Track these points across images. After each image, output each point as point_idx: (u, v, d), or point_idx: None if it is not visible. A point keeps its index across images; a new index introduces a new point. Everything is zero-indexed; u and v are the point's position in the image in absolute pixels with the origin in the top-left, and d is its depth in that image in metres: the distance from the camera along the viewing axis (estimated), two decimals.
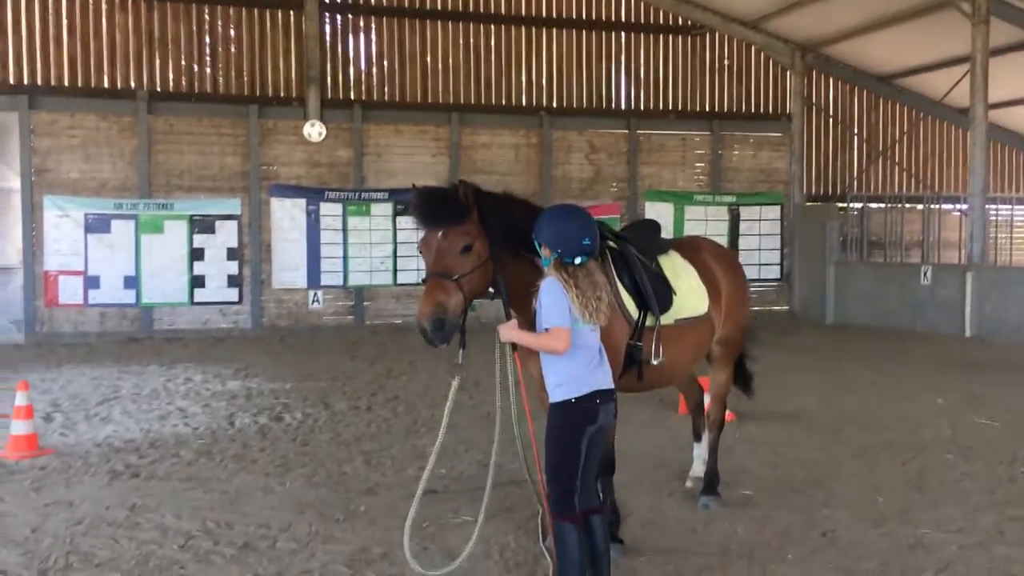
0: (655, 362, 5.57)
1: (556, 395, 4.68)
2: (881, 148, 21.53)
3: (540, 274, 4.89)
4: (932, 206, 20.21)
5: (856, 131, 21.57)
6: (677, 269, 5.95)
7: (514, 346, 4.98)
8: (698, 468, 6.69)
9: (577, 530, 4.61)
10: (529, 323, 4.87)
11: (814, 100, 21.22)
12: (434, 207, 4.91)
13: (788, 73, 20.93)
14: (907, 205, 20.84)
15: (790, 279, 20.87)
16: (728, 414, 9.09)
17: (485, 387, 7.67)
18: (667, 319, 5.66)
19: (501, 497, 6.35)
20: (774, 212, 20.82)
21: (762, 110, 20.95)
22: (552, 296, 4.64)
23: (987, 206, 19.40)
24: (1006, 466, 7.31)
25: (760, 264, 20.78)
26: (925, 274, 17.53)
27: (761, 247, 20.72)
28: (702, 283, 6.02)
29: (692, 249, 6.31)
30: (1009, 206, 21.79)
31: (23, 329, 16.37)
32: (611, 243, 5.73)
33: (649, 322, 5.56)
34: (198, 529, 5.90)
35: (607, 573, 4.70)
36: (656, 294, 5.61)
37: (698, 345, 6.03)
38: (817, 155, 21.49)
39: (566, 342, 4.59)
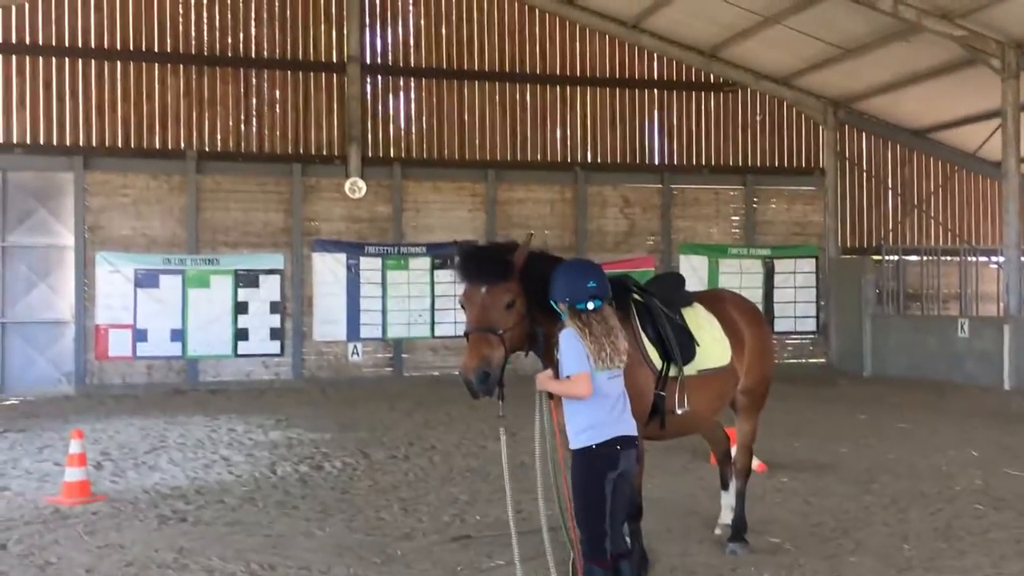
0: (679, 411, 5.77)
1: (578, 442, 4.89)
2: (916, 201, 21.61)
3: (556, 329, 5.17)
4: (969, 258, 20.20)
5: (890, 184, 21.69)
6: (700, 321, 6.18)
7: (550, 395, 5.23)
8: (726, 516, 6.83)
9: (607, 574, 4.80)
10: (556, 373, 5.13)
11: (847, 154, 21.42)
12: (479, 264, 5.20)
13: (820, 128, 21.20)
14: (944, 258, 20.86)
15: (827, 331, 20.89)
16: (759, 465, 9.26)
17: (520, 437, 7.87)
18: (690, 370, 5.87)
19: (536, 542, 6.53)
20: (809, 265, 20.93)
21: (795, 164, 21.21)
22: (569, 343, 4.88)
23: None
24: None
25: (796, 317, 20.86)
26: (962, 327, 17.49)
27: (796, 299, 20.80)
28: (725, 335, 6.24)
29: (716, 301, 6.54)
30: None
31: (73, 381, 16.92)
32: (636, 296, 5.99)
33: (672, 372, 5.78)
34: (243, 571, 6.16)
35: None
36: (679, 345, 5.85)
37: (721, 395, 6.23)
38: (852, 208, 21.63)
39: (588, 387, 4.82)
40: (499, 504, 8.00)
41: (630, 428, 4.99)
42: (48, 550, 6.73)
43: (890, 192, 21.73)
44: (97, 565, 6.33)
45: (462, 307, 5.28)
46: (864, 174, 21.61)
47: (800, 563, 6.15)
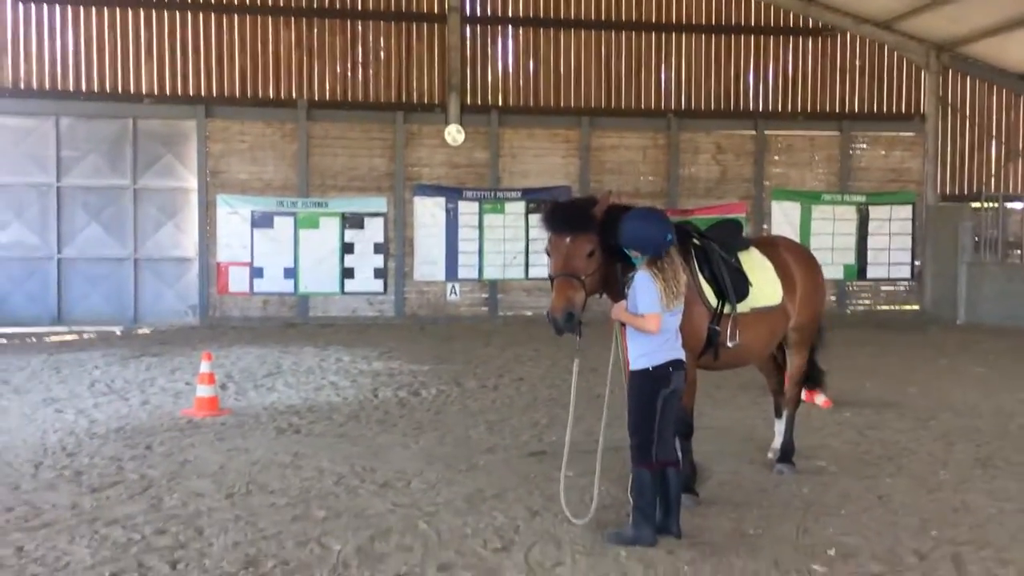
0: (731, 344, 6.45)
1: (638, 364, 5.67)
2: (1020, 147, 21.14)
3: (628, 271, 5.90)
4: None
5: (994, 131, 21.25)
6: (755, 264, 6.79)
7: (622, 324, 5.95)
8: (779, 441, 7.48)
9: (653, 475, 5.56)
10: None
11: (949, 99, 21.06)
12: (565, 216, 5.96)
13: (923, 73, 20.88)
14: None
15: (922, 279, 20.83)
16: (825, 401, 9.85)
17: (600, 372, 8.65)
18: (743, 307, 6.52)
19: (607, 459, 7.38)
20: (905, 212, 20.82)
21: (894, 110, 20.99)
22: (645, 285, 5.58)
23: None
24: None
25: (891, 263, 20.84)
26: None
27: (891, 247, 20.76)
28: (777, 277, 6.84)
29: (770, 246, 7.13)
30: None
31: (198, 313, 18.47)
32: (695, 241, 6.65)
33: (727, 309, 6.44)
34: (348, 471, 7.18)
35: (677, 516, 5.64)
36: (733, 285, 6.50)
37: (772, 331, 6.84)
38: (952, 154, 21.30)
39: (658, 326, 5.56)
40: (574, 428, 8.84)
41: (680, 353, 5.74)
42: (186, 451, 7.90)
43: (993, 139, 21.30)
44: (227, 463, 7.45)
45: (547, 254, 6.03)
46: (967, 120, 21.22)
47: (839, 482, 6.80)
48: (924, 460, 7.46)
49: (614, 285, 6.11)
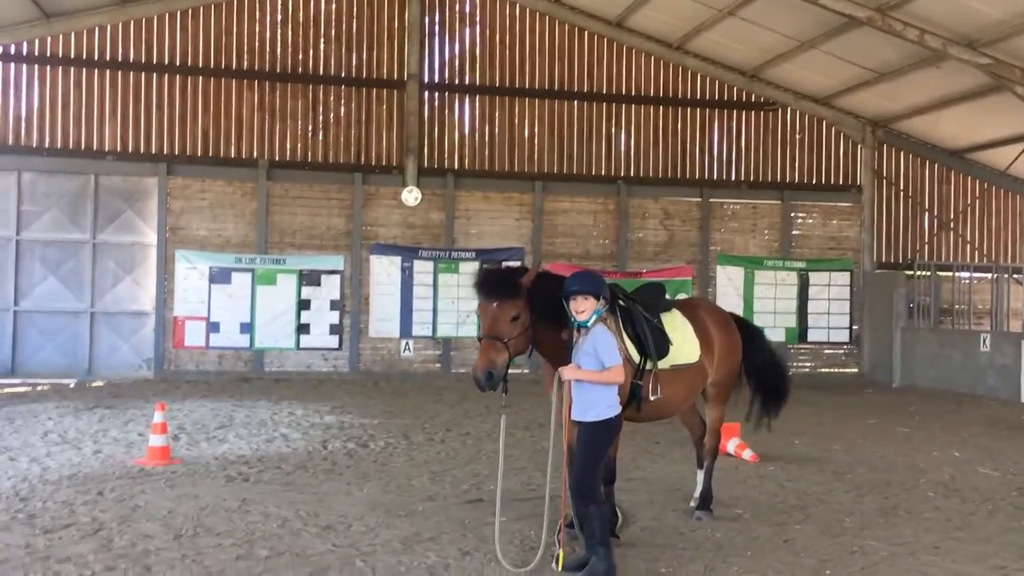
0: (653, 398, 6.98)
1: (606, 413, 6.12)
2: (952, 217, 22.24)
3: (561, 334, 6.44)
4: (1003, 276, 20.82)
5: (927, 204, 22.35)
6: (676, 324, 7.37)
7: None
8: (699, 490, 7.97)
9: (599, 510, 6.02)
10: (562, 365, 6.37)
11: (884, 172, 22.17)
12: (493, 283, 6.50)
13: (859, 147, 22.00)
14: (976, 274, 21.49)
15: (860, 343, 21.67)
16: (752, 456, 10.41)
17: (544, 428, 9.14)
18: (664, 364, 7.08)
19: (535, 505, 7.83)
20: (844, 278, 21.76)
21: (833, 181, 22.04)
22: (607, 340, 6.12)
23: None
24: (977, 504, 8.36)
25: (830, 328, 21.69)
26: (984, 341, 18.21)
27: (831, 311, 21.63)
28: (696, 336, 7.42)
29: (691, 308, 7.73)
30: None
31: (153, 367, 18.67)
32: (621, 302, 7.21)
33: (649, 366, 6.99)
34: (292, 515, 7.54)
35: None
36: (655, 343, 7.06)
37: (690, 386, 7.40)
38: (887, 224, 22.35)
39: (622, 374, 6.15)
40: (513, 478, 9.28)
41: None
42: (137, 497, 8.20)
43: (925, 210, 22.37)
44: (176, 508, 7.78)
45: (478, 316, 6.55)
46: (901, 192, 22.32)
47: (751, 527, 7.31)
48: (833, 510, 8.00)
49: (547, 346, 6.62)
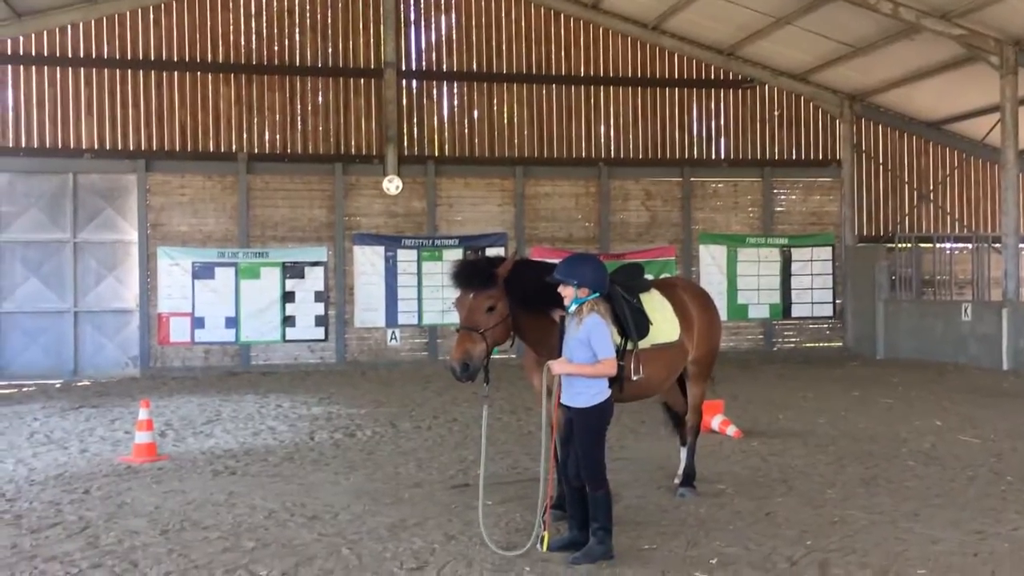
0: (635, 378, 7.03)
1: (596, 399, 6.08)
2: (931, 189, 22.37)
3: (551, 321, 6.42)
4: (982, 245, 20.98)
5: (906, 176, 22.46)
6: (655, 304, 7.41)
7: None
8: (683, 467, 8.04)
9: (607, 495, 6.02)
10: (550, 355, 6.36)
11: (863, 146, 22.27)
12: (468, 275, 6.50)
13: (837, 121, 22.08)
14: (957, 245, 21.65)
15: (843, 316, 21.81)
16: (736, 431, 10.50)
17: (534, 412, 9.20)
18: (644, 344, 7.12)
19: (519, 488, 7.91)
20: (826, 253, 21.88)
21: (812, 156, 22.13)
22: (601, 331, 6.04)
23: None
24: (957, 471, 8.48)
25: (813, 302, 21.82)
26: (966, 311, 18.37)
27: (814, 286, 21.76)
28: (675, 315, 7.46)
29: (669, 287, 7.78)
30: None
31: (138, 364, 18.64)
32: None
33: (629, 346, 7.03)
34: (279, 507, 7.58)
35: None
36: (635, 324, 7.10)
37: (671, 365, 7.45)
38: (867, 198, 22.48)
39: (615, 367, 6.11)
40: (499, 462, 9.34)
41: None
42: (123, 494, 8.21)
43: (905, 183, 22.49)
44: (163, 504, 7.80)
45: (455, 308, 6.56)
46: (880, 165, 22.43)
47: (734, 502, 7.40)
48: (815, 482, 8.10)
49: (530, 334, 6.64)
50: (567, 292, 6.17)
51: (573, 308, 6.15)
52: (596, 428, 6.08)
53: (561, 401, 6.20)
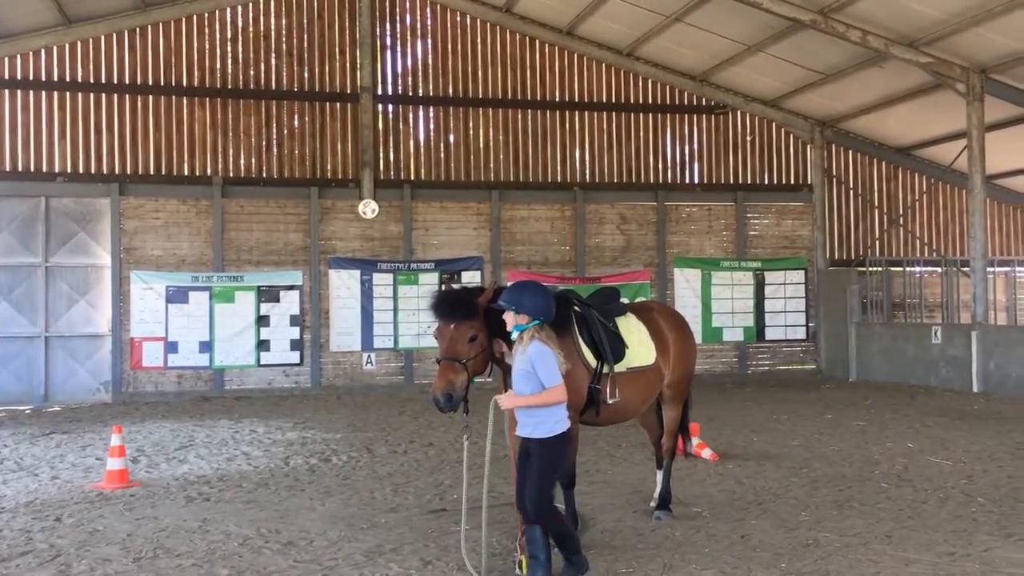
0: (611, 402, 7.07)
1: (557, 429, 5.99)
2: (900, 213, 22.68)
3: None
4: (952, 269, 21.29)
5: (876, 201, 22.77)
6: (631, 327, 7.46)
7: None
8: (658, 490, 8.07)
9: (560, 526, 5.98)
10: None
11: (834, 171, 22.57)
12: (448, 305, 6.48)
13: (808, 147, 22.39)
14: (926, 268, 21.97)
15: (816, 339, 22.01)
16: (712, 455, 10.56)
17: (505, 436, 9.17)
18: (621, 367, 7.16)
19: (496, 512, 7.88)
20: (798, 276, 22.10)
21: (784, 181, 22.40)
22: (547, 357, 5.96)
23: (1016, 269, 20.78)
24: (929, 493, 8.57)
25: (787, 325, 22.01)
26: (936, 333, 18.60)
27: (787, 309, 21.96)
28: (651, 339, 7.52)
29: (645, 311, 7.83)
30: None
31: (111, 390, 18.44)
32: (576, 307, 7.29)
33: (605, 370, 7.07)
34: (254, 533, 7.52)
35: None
36: (611, 348, 7.14)
37: (647, 388, 7.49)
38: (839, 222, 22.76)
39: (564, 393, 5.99)
40: (475, 487, 9.30)
41: None
42: (95, 521, 8.12)
43: (874, 207, 22.80)
44: (136, 531, 7.72)
45: (436, 339, 6.53)
46: (850, 190, 22.73)
47: (710, 525, 7.43)
48: (789, 504, 8.15)
49: (506, 363, 6.64)
50: (510, 319, 6.13)
51: (515, 335, 6.11)
52: (555, 459, 5.98)
53: (519, 434, 6.12)
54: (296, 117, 20.05)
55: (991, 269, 21.01)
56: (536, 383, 5.92)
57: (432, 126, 20.78)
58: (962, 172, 21.83)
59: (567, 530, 5.96)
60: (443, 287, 6.89)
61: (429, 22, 20.75)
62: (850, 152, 22.85)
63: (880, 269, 21.89)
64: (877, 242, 22.63)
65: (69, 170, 18.82)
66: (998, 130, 18.78)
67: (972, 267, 18.05)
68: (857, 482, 9.09)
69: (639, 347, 7.40)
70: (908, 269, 22.01)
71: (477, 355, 6.37)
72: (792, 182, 22.42)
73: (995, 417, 14.04)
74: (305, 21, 20.07)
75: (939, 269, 22.09)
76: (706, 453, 10.60)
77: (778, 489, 8.83)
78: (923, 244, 22.76)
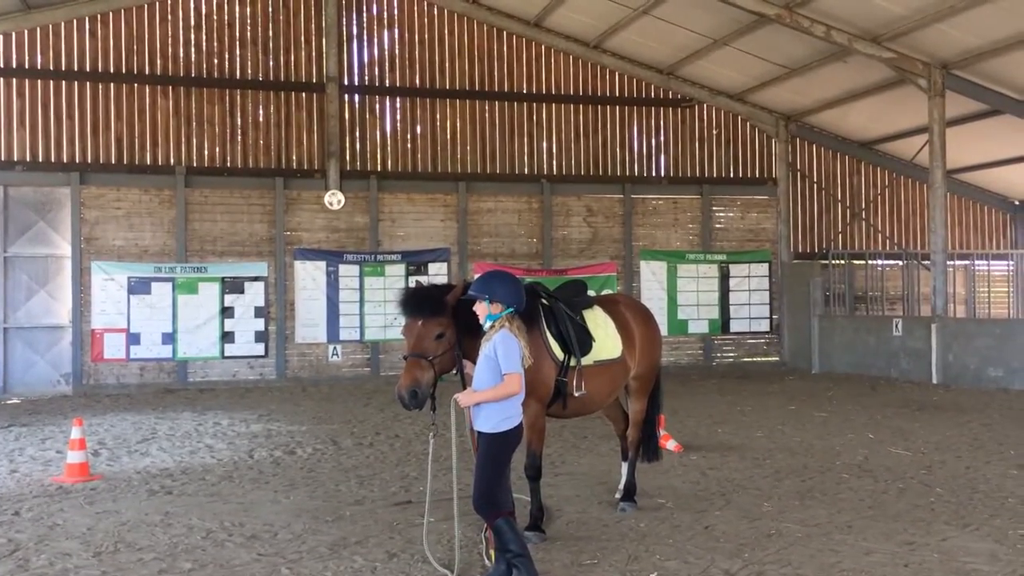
0: (577, 394, 7.09)
1: (503, 426, 5.87)
2: (863, 207, 22.97)
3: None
4: (913, 262, 21.60)
5: (839, 195, 23.04)
6: (598, 320, 7.49)
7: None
8: (624, 482, 8.11)
9: (507, 521, 5.91)
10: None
11: (798, 165, 22.79)
12: (416, 302, 6.43)
13: (773, 141, 22.57)
14: (888, 261, 22.27)
15: (780, 331, 22.23)
16: (676, 446, 10.63)
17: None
18: (587, 360, 7.19)
19: (462, 504, 7.88)
20: (762, 269, 22.30)
21: (749, 175, 22.57)
22: (510, 345, 5.89)
23: (976, 262, 21.10)
24: (889, 483, 8.70)
25: (751, 318, 22.20)
26: (897, 326, 18.87)
27: (751, 302, 22.16)
28: (618, 332, 7.54)
29: (612, 304, 7.86)
30: (985, 261, 23.13)
31: (71, 382, 18.18)
32: (544, 300, 7.30)
33: (572, 363, 7.09)
34: (217, 527, 7.45)
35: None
36: (578, 341, 7.16)
37: (614, 381, 7.52)
38: (803, 215, 22.99)
39: (521, 385, 5.87)
40: (442, 479, 9.29)
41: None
42: (55, 516, 8.00)
43: (838, 201, 23.07)
44: (96, 525, 7.62)
45: (403, 335, 6.48)
46: (814, 184, 22.97)
47: (674, 516, 7.49)
48: (752, 495, 8.24)
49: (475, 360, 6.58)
50: (481, 309, 6.06)
51: (487, 325, 6.04)
52: (496, 455, 5.84)
53: (474, 427, 6.07)
54: (261, 106, 19.85)
55: (951, 263, 21.34)
56: (495, 367, 5.81)
57: (399, 117, 20.67)
58: (923, 167, 22.13)
59: (507, 527, 5.76)
60: (413, 283, 6.77)
61: (396, 12, 20.62)
62: (814, 146, 23.07)
63: (843, 262, 22.16)
64: (840, 235, 22.89)
65: (28, 158, 18.48)
66: (959, 125, 19.05)
67: (932, 260, 18.33)
68: (819, 473, 9.21)
69: (606, 340, 7.43)
70: (870, 262, 22.30)
71: (444, 352, 6.34)
72: (757, 175, 22.60)
73: (954, 408, 14.29)
74: (270, 9, 19.86)
75: (900, 262, 22.40)
76: (671, 444, 10.67)
77: (742, 480, 8.91)
78: (885, 238, 23.07)
